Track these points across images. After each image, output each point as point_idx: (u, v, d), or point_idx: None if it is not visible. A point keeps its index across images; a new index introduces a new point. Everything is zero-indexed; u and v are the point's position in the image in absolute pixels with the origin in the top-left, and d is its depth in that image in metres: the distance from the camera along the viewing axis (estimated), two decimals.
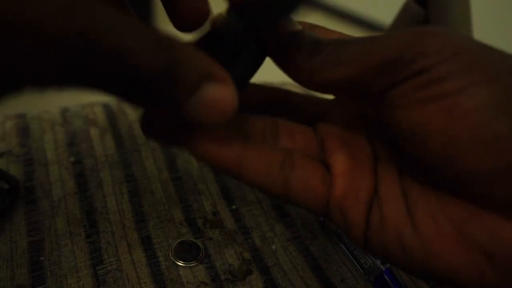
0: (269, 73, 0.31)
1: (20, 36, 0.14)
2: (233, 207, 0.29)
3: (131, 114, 0.36)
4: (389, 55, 0.18)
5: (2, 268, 0.24)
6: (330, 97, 0.26)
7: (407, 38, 0.18)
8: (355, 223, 0.21)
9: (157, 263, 0.25)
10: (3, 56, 0.14)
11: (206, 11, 0.23)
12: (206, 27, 0.23)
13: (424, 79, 0.17)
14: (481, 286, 0.18)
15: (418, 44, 0.17)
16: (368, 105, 0.21)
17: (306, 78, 0.20)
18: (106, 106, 0.36)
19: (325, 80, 0.19)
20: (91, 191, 0.29)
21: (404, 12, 0.51)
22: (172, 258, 0.25)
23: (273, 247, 0.27)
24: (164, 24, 0.26)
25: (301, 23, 0.24)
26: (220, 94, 0.17)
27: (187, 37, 0.23)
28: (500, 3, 1.59)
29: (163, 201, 0.29)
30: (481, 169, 0.17)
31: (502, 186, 0.17)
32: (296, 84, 0.23)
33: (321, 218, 0.28)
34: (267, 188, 0.22)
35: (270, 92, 0.26)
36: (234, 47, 0.21)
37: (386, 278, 0.24)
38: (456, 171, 0.17)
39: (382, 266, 0.24)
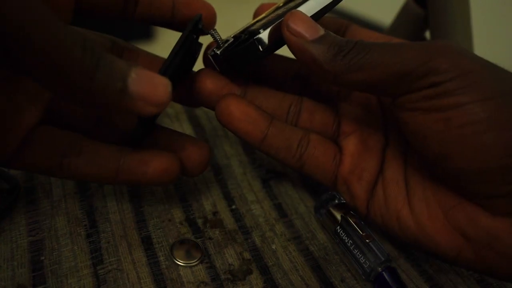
0: None
1: None
2: (233, 207, 0.29)
3: None
4: (405, 67, 0.21)
5: (3, 268, 0.24)
6: None
7: (423, 52, 0.21)
8: (358, 197, 0.26)
9: (157, 263, 0.25)
10: None
11: None
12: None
13: (432, 92, 0.20)
14: (459, 261, 0.22)
15: (431, 61, 0.20)
16: (385, 101, 0.25)
17: (331, 80, 0.23)
18: None
19: (348, 82, 0.22)
20: (91, 191, 0.29)
21: (404, 12, 0.51)
22: (172, 258, 0.25)
23: (273, 247, 0.27)
24: (164, 35, 0.27)
25: (335, 21, 0.28)
26: (147, 75, 0.19)
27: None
28: (500, 3, 1.59)
29: (163, 201, 0.29)
30: (467, 169, 0.20)
31: (482, 184, 0.20)
32: None
33: (320, 218, 0.28)
34: (284, 161, 0.26)
35: (294, 64, 0.29)
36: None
37: (386, 277, 0.24)
38: (447, 167, 0.21)
39: (381, 266, 0.24)
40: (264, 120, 0.25)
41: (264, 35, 0.24)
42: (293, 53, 0.23)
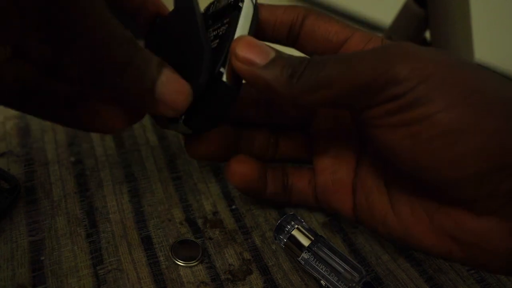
0: None
1: None
2: (233, 207, 0.29)
3: None
4: (362, 80, 0.19)
5: (3, 267, 0.24)
6: None
7: (378, 61, 0.19)
8: (340, 208, 0.26)
9: (157, 263, 0.25)
10: None
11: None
12: None
13: (394, 105, 0.19)
14: (451, 259, 0.22)
15: (388, 70, 0.19)
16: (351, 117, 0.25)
17: (290, 102, 0.21)
18: None
19: (307, 102, 0.21)
20: (91, 191, 0.29)
21: (404, 12, 0.51)
22: (172, 258, 0.25)
23: (273, 247, 0.27)
24: None
25: (289, 11, 0.25)
26: (175, 80, 0.20)
27: None
28: (500, 3, 1.59)
29: (163, 201, 0.29)
30: (443, 179, 0.20)
31: (461, 190, 0.20)
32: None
33: (282, 245, 0.27)
34: (278, 199, 0.28)
35: (250, 91, 0.27)
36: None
37: None
38: (423, 179, 0.20)
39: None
40: (263, 173, 0.27)
41: (226, 71, 0.22)
42: (246, 81, 0.22)
